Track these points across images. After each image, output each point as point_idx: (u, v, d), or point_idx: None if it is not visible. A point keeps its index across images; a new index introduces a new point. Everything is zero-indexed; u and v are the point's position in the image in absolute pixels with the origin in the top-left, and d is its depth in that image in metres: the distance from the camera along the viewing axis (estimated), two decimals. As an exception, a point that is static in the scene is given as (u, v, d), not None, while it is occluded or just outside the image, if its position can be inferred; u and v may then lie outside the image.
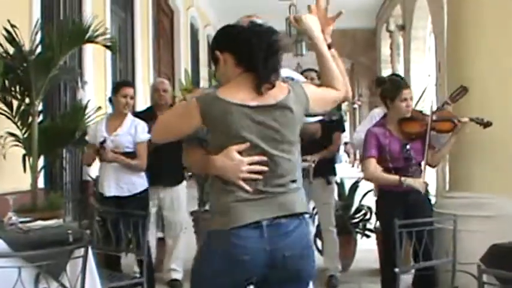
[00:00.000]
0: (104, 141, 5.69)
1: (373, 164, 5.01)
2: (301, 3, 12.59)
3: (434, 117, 5.12)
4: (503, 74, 5.51)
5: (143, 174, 5.91)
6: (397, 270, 4.38)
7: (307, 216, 2.90)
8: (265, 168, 2.77)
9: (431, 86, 8.43)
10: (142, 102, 10.22)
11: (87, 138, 5.94)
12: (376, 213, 5.41)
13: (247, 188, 2.75)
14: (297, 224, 2.80)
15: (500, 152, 5.39)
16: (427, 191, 5.11)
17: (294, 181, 2.86)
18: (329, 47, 3.11)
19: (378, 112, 6.25)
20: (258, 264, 2.75)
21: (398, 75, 5.45)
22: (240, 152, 2.77)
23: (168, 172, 6.23)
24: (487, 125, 5.08)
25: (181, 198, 6.60)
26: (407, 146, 5.02)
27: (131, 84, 6.43)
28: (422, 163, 5.04)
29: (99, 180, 5.97)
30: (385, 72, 19.59)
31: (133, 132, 5.79)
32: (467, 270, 3.78)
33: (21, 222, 4.05)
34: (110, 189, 5.79)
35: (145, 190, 5.95)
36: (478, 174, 5.45)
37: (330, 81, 3.04)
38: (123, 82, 6.27)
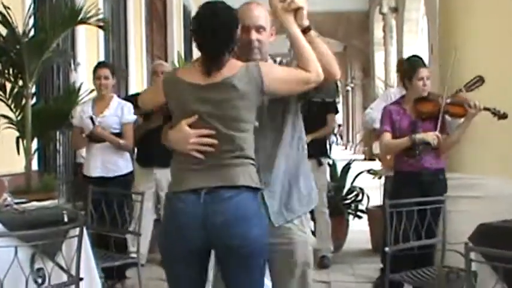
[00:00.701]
0: (92, 120, 5.74)
1: (387, 137, 5.14)
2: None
3: (448, 100, 5.13)
4: (494, 56, 5.54)
5: (128, 156, 5.99)
6: (387, 249, 4.44)
7: (253, 190, 2.97)
8: (210, 141, 2.94)
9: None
10: (135, 83, 10.24)
11: (73, 121, 5.97)
12: (390, 193, 5.41)
13: (198, 155, 2.95)
14: (235, 194, 2.93)
15: (491, 133, 5.44)
16: (443, 172, 5.15)
17: (239, 157, 2.96)
18: (306, 30, 3.11)
19: (394, 91, 6.36)
20: (195, 227, 2.95)
21: (417, 56, 5.46)
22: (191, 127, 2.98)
23: (160, 153, 6.25)
24: (502, 116, 5.07)
25: None
26: (417, 125, 5.08)
27: (106, 64, 6.43)
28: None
29: (85, 162, 6.04)
30: (378, 54, 19.64)
31: (119, 114, 5.86)
32: (457, 249, 3.84)
33: (17, 203, 4.08)
34: (96, 169, 5.85)
35: (130, 172, 6.02)
36: (469, 155, 5.51)
37: (300, 61, 3.04)
38: (97, 63, 6.29)
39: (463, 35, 5.66)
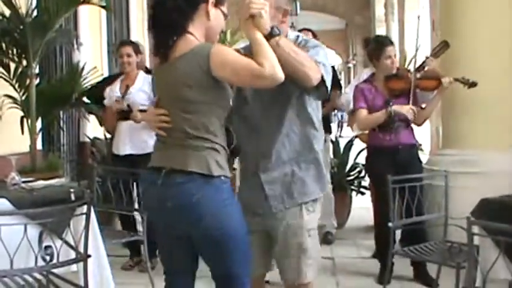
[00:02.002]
0: (118, 100, 5.77)
1: (363, 113, 5.18)
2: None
3: (418, 75, 5.21)
4: (494, 31, 5.57)
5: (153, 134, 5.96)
6: (390, 224, 4.49)
7: (207, 177, 2.87)
8: (163, 119, 2.97)
9: (425, 43, 8.45)
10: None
11: (105, 102, 5.99)
12: (366, 170, 5.51)
13: (162, 133, 3.00)
14: (188, 180, 2.86)
15: (490, 108, 5.48)
16: (420, 149, 5.22)
17: (192, 139, 2.88)
18: (267, 37, 2.93)
19: (367, 72, 6.37)
20: (153, 207, 3.02)
21: (381, 36, 5.57)
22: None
23: None
24: (471, 85, 5.17)
25: None
26: (390, 103, 5.12)
27: (128, 42, 6.41)
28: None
29: (114, 141, 6.02)
30: (379, 31, 19.53)
31: (147, 89, 5.75)
32: (459, 224, 3.88)
33: (24, 182, 4.13)
34: (125, 147, 5.86)
35: None
36: (469, 131, 5.55)
37: (255, 55, 2.84)
38: (120, 42, 6.29)
39: (461, 9, 5.68)
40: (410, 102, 5.11)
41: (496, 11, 5.57)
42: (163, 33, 2.93)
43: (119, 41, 6.63)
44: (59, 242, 3.40)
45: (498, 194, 3.90)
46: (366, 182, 7.68)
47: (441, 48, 5.44)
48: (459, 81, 5.17)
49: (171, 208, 2.88)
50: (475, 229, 3.22)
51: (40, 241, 3.37)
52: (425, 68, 5.35)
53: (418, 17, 5.91)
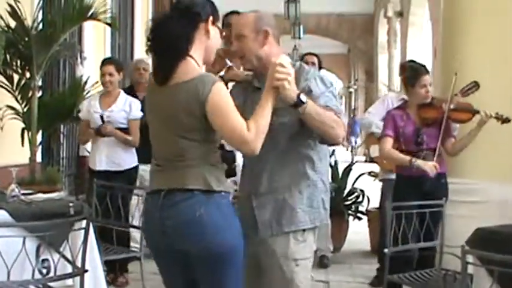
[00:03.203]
0: (102, 116, 5.81)
1: (388, 143, 5.13)
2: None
3: (452, 106, 5.17)
4: (495, 62, 5.59)
5: (133, 151, 6.03)
6: (386, 250, 4.50)
7: (207, 193, 2.88)
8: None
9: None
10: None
11: (80, 115, 6.04)
12: (393, 196, 5.40)
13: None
14: (188, 197, 2.86)
15: (490, 140, 5.48)
16: (444, 176, 5.18)
17: (190, 160, 2.87)
18: (295, 105, 2.97)
19: (391, 96, 6.39)
20: (155, 229, 2.97)
21: (417, 63, 5.48)
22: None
23: None
24: (505, 121, 5.10)
25: None
26: (421, 131, 5.11)
27: (111, 61, 6.40)
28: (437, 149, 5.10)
29: (91, 156, 6.12)
30: (382, 58, 19.66)
31: (127, 109, 5.93)
32: (454, 252, 3.90)
33: (23, 194, 4.14)
34: (101, 163, 5.92)
35: (135, 167, 6.08)
36: (469, 161, 5.54)
37: (251, 118, 2.87)
38: (103, 60, 6.32)
39: (466, 41, 5.72)
40: (441, 131, 5.07)
41: (498, 39, 5.60)
42: (165, 57, 2.91)
43: (103, 58, 6.68)
44: (56, 256, 3.40)
45: (496, 223, 3.91)
46: (364, 207, 7.71)
47: (471, 87, 5.38)
48: (493, 117, 5.11)
49: (171, 227, 2.87)
50: (470, 258, 3.24)
51: (37, 254, 3.37)
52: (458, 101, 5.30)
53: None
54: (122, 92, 6.14)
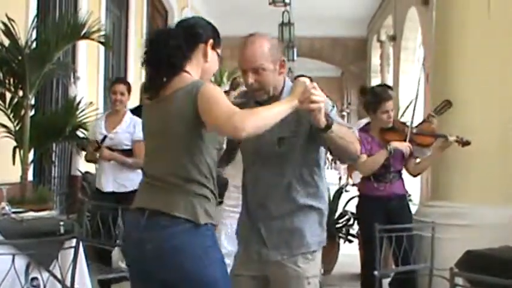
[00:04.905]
0: (104, 139, 5.79)
1: (363, 157, 5.10)
2: (294, 10, 12.72)
3: (414, 131, 5.26)
4: (486, 88, 5.64)
5: (140, 171, 5.97)
6: (376, 273, 4.50)
7: (195, 224, 2.80)
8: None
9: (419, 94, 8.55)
10: (133, 98, 10.28)
11: (87, 134, 6.03)
12: (356, 218, 5.52)
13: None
14: (172, 224, 2.77)
15: (479, 163, 5.53)
16: (409, 199, 5.25)
17: (184, 181, 2.81)
18: (323, 129, 2.94)
19: (364, 122, 6.41)
20: (132, 252, 2.92)
21: (384, 85, 5.58)
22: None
23: None
24: (465, 144, 5.22)
25: None
26: (389, 146, 5.14)
27: (123, 80, 6.45)
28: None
29: (97, 176, 6.05)
30: (374, 81, 19.70)
31: (131, 131, 5.87)
32: (444, 275, 3.90)
33: (14, 212, 4.13)
34: (108, 184, 5.87)
35: None
36: (457, 184, 5.59)
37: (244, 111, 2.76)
38: (115, 79, 6.33)
39: (455, 66, 5.77)
40: (406, 155, 5.16)
41: (489, 66, 5.65)
42: (160, 71, 2.89)
43: (115, 77, 6.69)
44: (45, 274, 3.39)
45: (484, 246, 3.93)
46: (354, 230, 7.71)
47: (443, 106, 5.48)
48: (454, 141, 5.20)
49: (151, 251, 2.79)
50: (459, 280, 3.25)
51: (27, 272, 3.36)
52: (422, 124, 5.42)
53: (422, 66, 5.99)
54: (129, 112, 6.08)
